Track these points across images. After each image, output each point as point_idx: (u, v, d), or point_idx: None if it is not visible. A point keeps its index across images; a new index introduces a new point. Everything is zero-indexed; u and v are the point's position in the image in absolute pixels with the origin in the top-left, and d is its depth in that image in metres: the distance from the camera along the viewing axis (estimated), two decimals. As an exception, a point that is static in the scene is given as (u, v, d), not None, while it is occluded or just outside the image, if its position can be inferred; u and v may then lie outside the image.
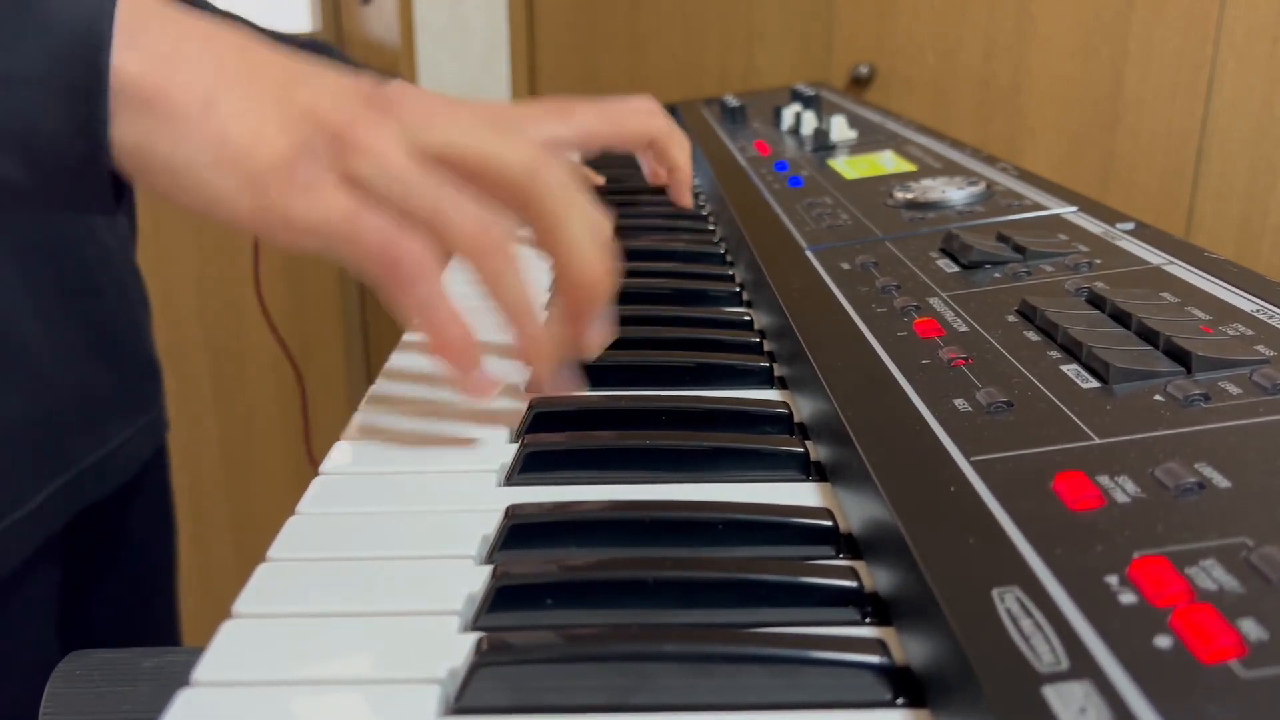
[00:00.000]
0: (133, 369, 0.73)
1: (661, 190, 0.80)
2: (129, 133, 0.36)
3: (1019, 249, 0.50)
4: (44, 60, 0.35)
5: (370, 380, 0.49)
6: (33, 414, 0.62)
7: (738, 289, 0.60)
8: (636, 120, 0.72)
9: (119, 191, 0.38)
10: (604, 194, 0.80)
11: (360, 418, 0.45)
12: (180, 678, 0.28)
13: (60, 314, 0.64)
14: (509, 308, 0.40)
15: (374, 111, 0.38)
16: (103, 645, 0.68)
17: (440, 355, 0.40)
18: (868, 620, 0.31)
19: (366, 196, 0.38)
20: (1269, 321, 0.39)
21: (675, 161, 0.74)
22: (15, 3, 0.35)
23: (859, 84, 1.56)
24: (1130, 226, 0.53)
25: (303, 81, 0.39)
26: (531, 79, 1.71)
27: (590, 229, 0.41)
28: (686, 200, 0.77)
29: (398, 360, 0.51)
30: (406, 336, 0.54)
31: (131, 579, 0.75)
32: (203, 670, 0.29)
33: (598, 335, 0.43)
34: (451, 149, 0.39)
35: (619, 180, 0.85)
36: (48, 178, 0.36)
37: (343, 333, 1.82)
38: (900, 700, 0.27)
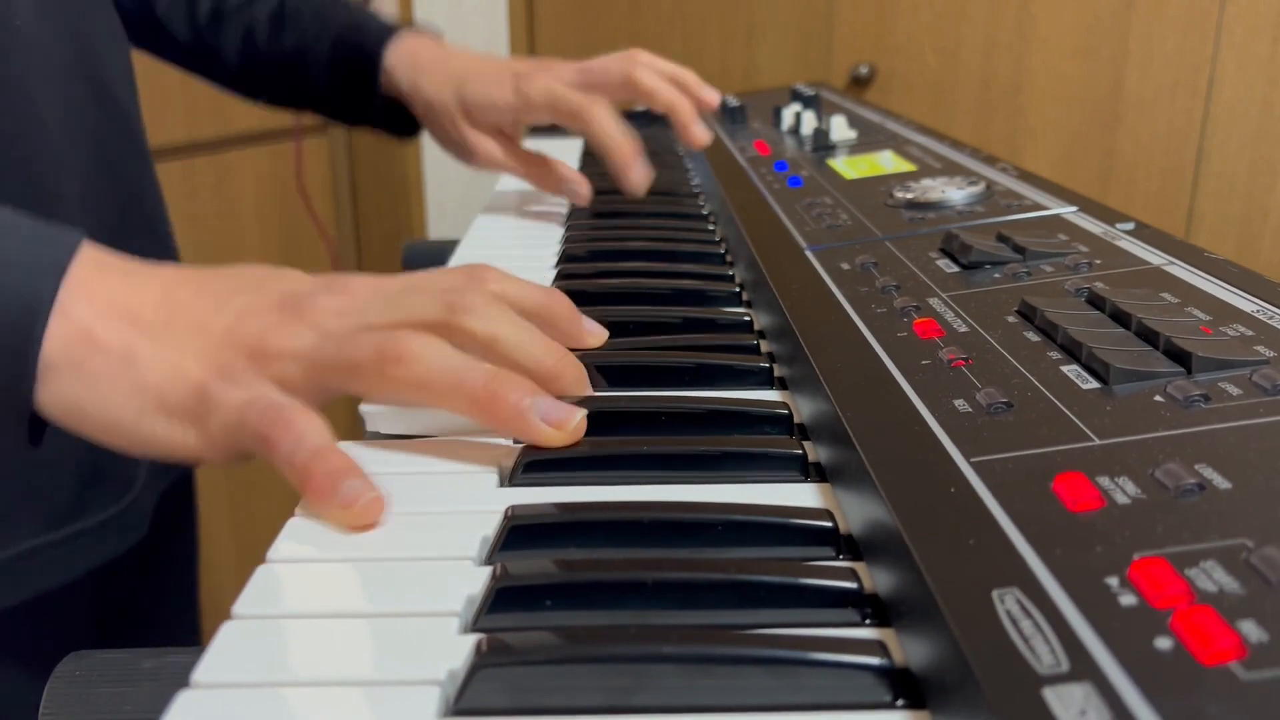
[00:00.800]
0: None
1: (661, 192, 0.80)
2: (59, 395, 0.39)
3: (1019, 249, 0.50)
4: None
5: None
6: None
7: (737, 289, 0.60)
8: (605, 71, 0.76)
9: (35, 434, 0.40)
10: (605, 195, 0.80)
11: (360, 418, 0.45)
12: (180, 679, 0.28)
13: None
14: (442, 389, 0.40)
15: (288, 315, 0.41)
16: (134, 637, 0.68)
17: (320, 505, 0.37)
18: (867, 621, 0.31)
19: (298, 392, 0.40)
20: (1269, 322, 0.39)
21: (664, 101, 0.76)
22: None
23: (859, 84, 1.56)
24: (1130, 226, 0.53)
25: (219, 309, 0.41)
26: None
27: (520, 332, 0.43)
28: (697, 136, 0.77)
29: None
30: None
31: (161, 567, 0.77)
32: (202, 671, 0.28)
33: (571, 419, 0.41)
34: (364, 328, 0.41)
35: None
36: None
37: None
38: (900, 701, 0.27)
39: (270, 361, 0.40)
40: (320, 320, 0.41)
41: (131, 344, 0.39)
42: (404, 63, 0.80)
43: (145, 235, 0.71)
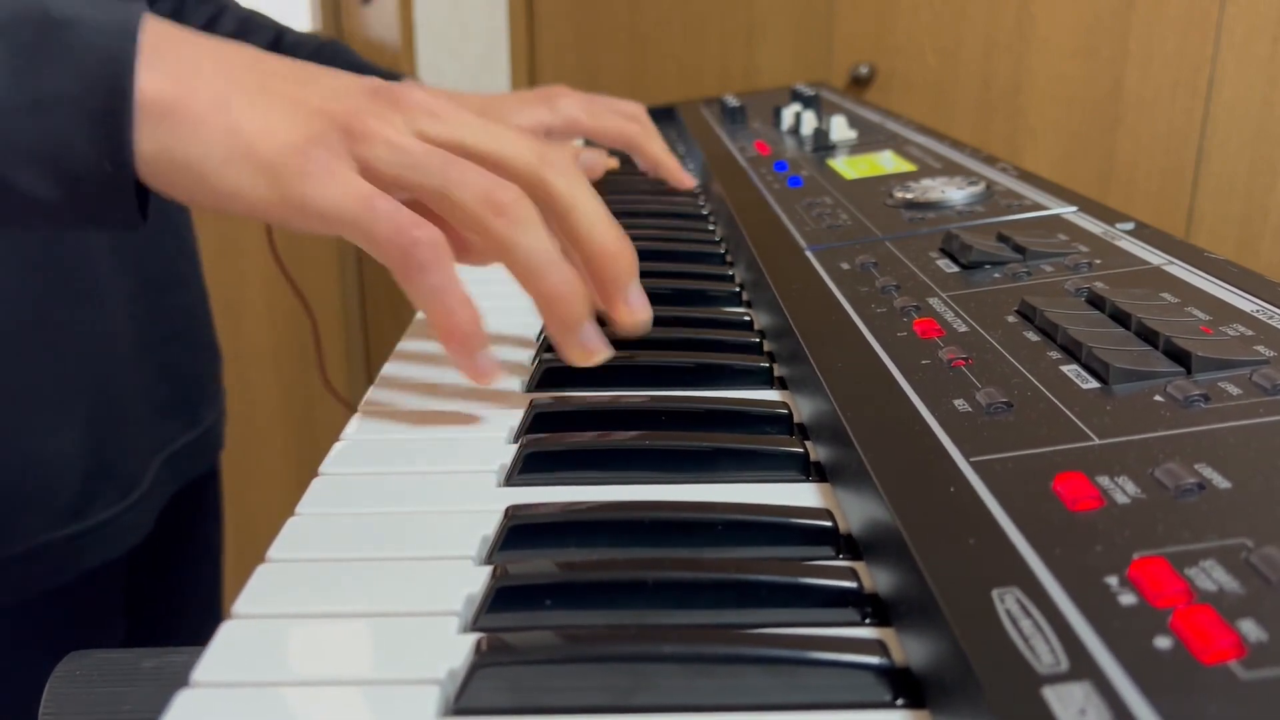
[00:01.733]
0: (210, 354, 0.77)
1: (662, 189, 0.80)
2: (149, 143, 0.38)
3: (1019, 249, 0.50)
4: (74, 85, 0.37)
5: (370, 381, 0.49)
6: (135, 396, 0.65)
7: (737, 289, 0.60)
8: (616, 120, 0.77)
9: (143, 208, 0.40)
10: (603, 194, 0.80)
11: (359, 419, 0.45)
12: (180, 678, 0.28)
13: (147, 303, 0.66)
14: (531, 262, 0.40)
15: (381, 104, 0.40)
16: (166, 631, 0.69)
17: (446, 340, 0.41)
18: (867, 621, 0.31)
19: (379, 185, 0.39)
20: (1269, 322, 0.39)
21: (655, 158, 0.79)
22: (46, 30, 0.37)
23: (859, 84, 1.56)
24: (1130, 226, 0.53)
25: (311, 82, 0.41)
26: (531, 79, 1.71)
27: (598, 206, 0.43)
28: (684, 180, 0.81)
29: (397, 361, 0.51)
30: (404, 340, 0.54)
31: (183, 566, 0.77)
32: (202, 671, 0.28)
33: (635, 309, 0.44)
34: (457, 143, 0.41)
35: (618, 181, 0.85)
36: (78, 195, 0.38)
37: (343, 333, 1.82)
38: (900, 701, 0.27)
39: (363, 141, 0.40)
40: (415, 116, 0.41)
41: (226, 93, 0.39)
42: None
43: (171, 239, 0.71)
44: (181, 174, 0.39)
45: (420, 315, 0.59)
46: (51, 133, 0.37)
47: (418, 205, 0.41)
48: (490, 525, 0.35)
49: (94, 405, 0.62)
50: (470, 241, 0.46)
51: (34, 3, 0.38)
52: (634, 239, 0.68)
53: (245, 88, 0.39)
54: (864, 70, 1.55)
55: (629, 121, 0.76)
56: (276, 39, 0.80)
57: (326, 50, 0.80)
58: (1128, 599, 0.25)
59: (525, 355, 0.52)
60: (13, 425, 0.58)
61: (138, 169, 0.38)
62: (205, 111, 0.38)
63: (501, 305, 0.60)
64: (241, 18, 0.80)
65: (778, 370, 0.48)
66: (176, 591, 0.78)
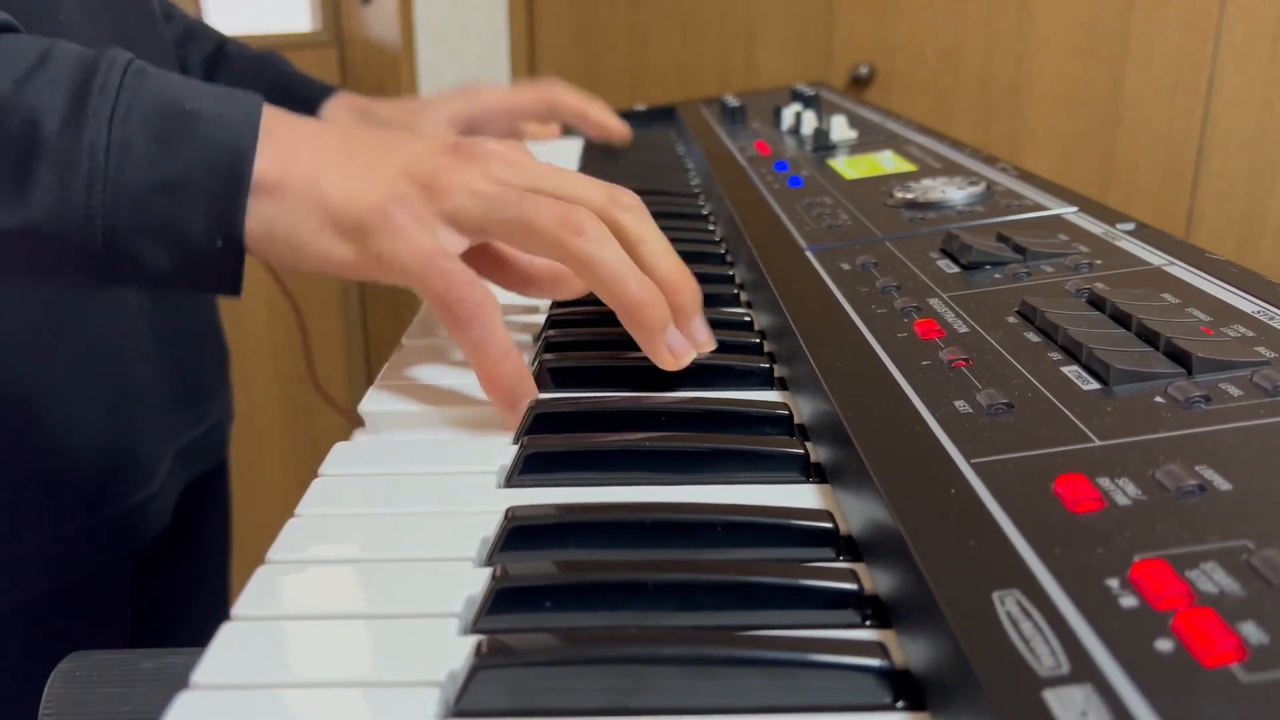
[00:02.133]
0: (218, 348, 0.78)
1: (661, 192, 0.80)
2: (256, 221, 0.43)
3: (1019, 249, 0.50)
4: (199, 173, 0.42)
5: (370, 382, 0.49)
6: (149, 390, 0.66)
7: (737, 289, 0.60)
8: (534, 91, 0.82)
9: (240, 276, 0.44)
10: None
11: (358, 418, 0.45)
12: (180, 679, 0.28)
13: (159, 297, 0.66)
14: (612, 273, 0.43)
15: (459, 158, 0.45)
16: (174, 630, 0.69)
17: (488, 389, 0.44)
18: (867, 623, 0.31)
19: (467, 229, 0.44)
20: (1270, 323, 0.39)
21: (576, 110, 0.85)
22: (180, 121, 0.42)
23: (859, 84, 1.56)
24: (1130, 227, 0.53)
25: (395, 149, 0.45)
26: (531, 79, 1.70)
27: (664, 241, 0.46)
28: (615, 126, 0.88)
29: (397, 362, 0.51)
30: (404, 340, 0.54)
31: (191, 562, 0.77)
32: (202, 672, 0.28)
33: (701, 340, 0.46)
34: (532, 187, 0.44)
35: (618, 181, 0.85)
36: (190, 266, 0.43)
37: (343, 333, 1.82)
38: (900, 703, 0.27)
39: (445, 195, 0.43)
40: (490, 165, 0.44)
41: (317, 172, 0.44)
42: (343, 108, 0.80)
43: None
44: (281, 246, 0.44)
45: (420, 315, 0.59)
46: (175, 213, 0.42)
47: (486, 258, 0.48)
48: (490, 526, 0.35)
49: (111, 399, 0.63)
50: (535, 274, 0.51)
51: (173, 95, 0.42)
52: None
53: (334, 162, 0.44)
54: (864, 70, 1.55)
55: (546, 88, 0.82)
56: (218, 48, 0.82)
57: (262, 61, 0.82)
58: (1128, 601, 0.25)
59: (524, 356, 0.52)
60: (32, 419, 0.59)
61: (248, 245, 0.43)
62: (300, 189, 0.43)
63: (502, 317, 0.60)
64: (187, 25, 0.83)
65: (778, 371, 0.48)
66: (184, 588, 0.78)
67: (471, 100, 0.81)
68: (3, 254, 0.42)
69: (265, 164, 0.43)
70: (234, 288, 0.44)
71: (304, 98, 0.80)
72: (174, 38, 0.80)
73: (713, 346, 0.47)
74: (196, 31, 0.82)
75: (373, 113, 0.80)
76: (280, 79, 0.81)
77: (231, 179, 0.42)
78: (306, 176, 0.43)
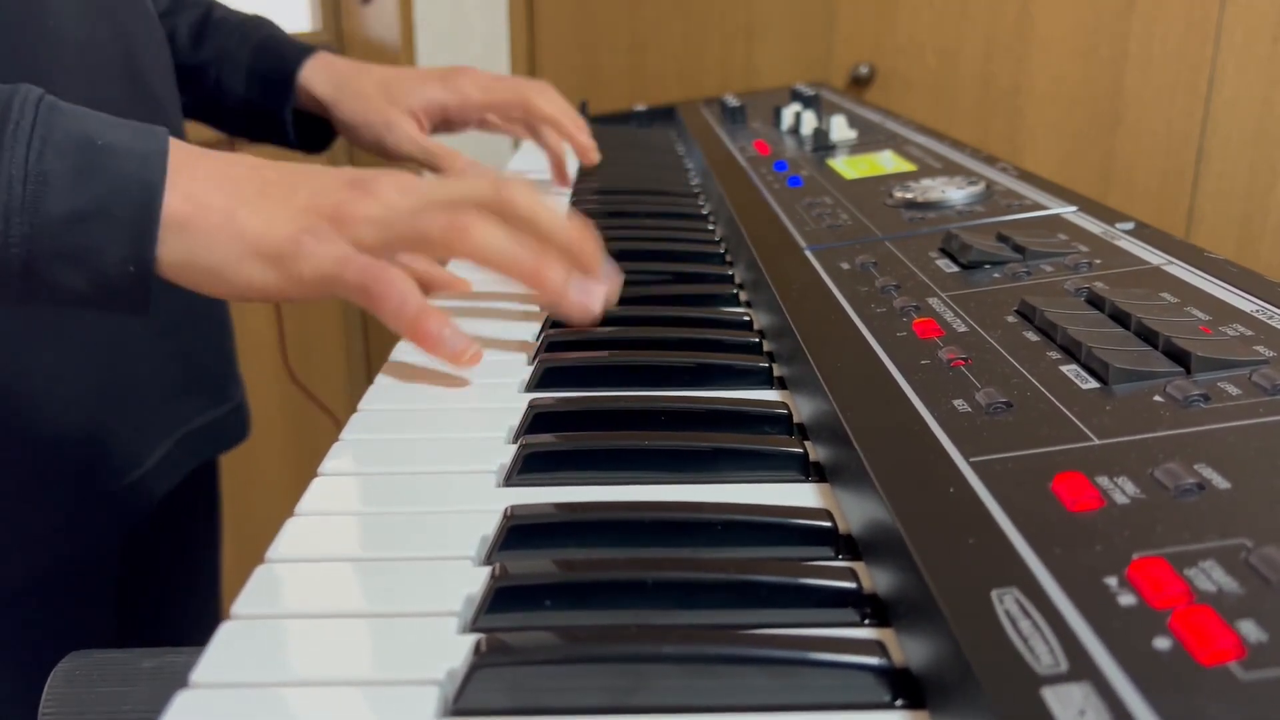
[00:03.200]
0: (226, 334, 0.79)
1: (661, 192, 0.80)
2: (173, 252, 0.46)
3: (1019, 249, 0.50)
4: (113, 203, 0.44)
5: (369, 381, 0.49)
6: (144, 380, 0.66)
7: (737, 289, 0.60)
8: (515, 91, 0.83)
9: (148, 298, 0.47)
10: (605, 195, 0.80)
11: (358, 418, 0.45)
12: (179, 679, 0.28)
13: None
14: (504, 256, 0.48)
15: (357, 192, 0.49)
16: (161, 631, 0.69)
17: (423, 344, 0.48)
18: (867, 621, 0.31)
19: (371, 253, 0.48)
20: (1269, 322, 0.39)
21: (549, 117, 0.85)
22: (92, 154, 0.45)
23: (859, 84, 1.56)
24: (1130, 226, 0.53)
25: (300, 185, 0.49)
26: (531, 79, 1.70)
27: (555, 210, 0.50)
28: (585, 144, 0.86)
29: (395, 362, 0.51)
30: (403, 340, 0.54)
31: (181, 563, 0.77)
32: (201, 672, 0.28)
33: (612, 281, 0.51)
34: (424, 207, 0.49)
35: (619, 181, 0.85)
36: (104, 290, 0.46)
37: (343, 333, 1.82)
38: (899, 701, 0.27)
39: (348, 226, 0.48)
40: (385, 195, 0.49)
41: (231, 206, 0.47)
42: (323, 71, 0.82)
43: None
44: (202, 274, 0.47)
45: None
46: (90, 243, 0.44)
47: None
48: (490, 525, 0.35)
49: (101, 386, 0.63)
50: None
51: (87, 130, 0.45)
52: (634, 239, 0.68)
53: (247, 198, 0.47)
54: (864, 70, 1.55)
55: (527, 90, 0.82)
56: (206, 14, 0.84)
57: (249, 24, 0.84)
58: (1127, 599, 0.25)
59: (524, 357, 0.52)
60: (18, 405, 0.59)
61: (161, 271, 0.46)
62: (217, 224, 0.46)
63: (502, 316, 0.60)
64: None
65: (777, 370, 0.48)
66: (171, 584, 0.78)
67: (450, 90, 0.82)
68: None
69: (178, 200, 0.46)
70: (144, 309, 0.47)
71: (287, 56, 0.82)
72: (163, 8, 0.81)
73: (619, 280, 0.53)
74: (182, 1, 0.84)
75: (351, 82, 0.81)
76: (266, 40, 0.83)
77: (143, 210, 0.45)
78: (222, 210, 0.47)
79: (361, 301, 0.48)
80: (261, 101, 0.83)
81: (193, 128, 0.82)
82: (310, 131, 0.85)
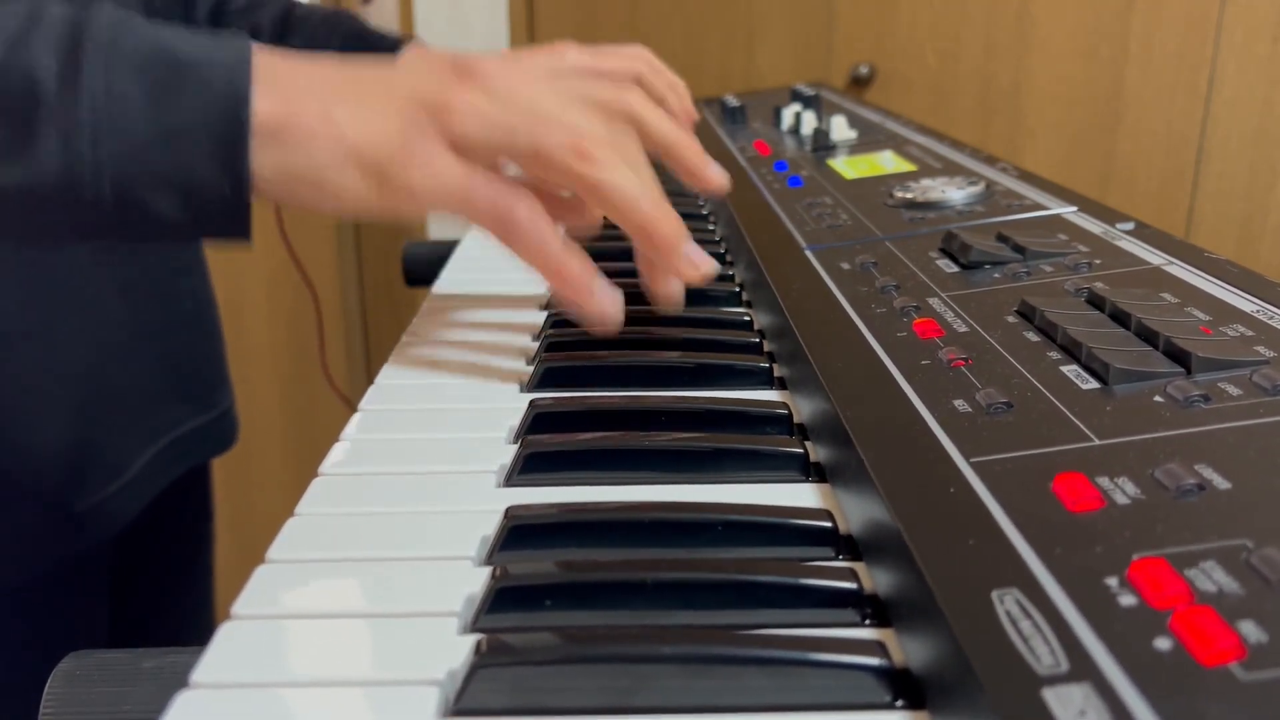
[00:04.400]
0: (216, 339, 0.78)
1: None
2: (267, 161, 0.43)
3: (1019, 249, 0.50)
4: (200, 117, 0.41)
5: (370, 380, 0.49)
6: (129, 385, 0.65)
7: (737, 289, 0.60)
8: (620, 60, 0.75)
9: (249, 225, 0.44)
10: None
11: (359, 419, 0.45)
12: (180, 679, 0.28)
13: (145, 292, 0.66)
14: (622, 197, 0.44)
15: (460, 77, 0.45)
16: (154, 631, 0.69)
17: (560, 286, 0.45)
18: (867, 622, 0.31)
19: (474, 155, 0.44)
20: (1269, 322, 0.39)
21: (663, 140, 0.75)
22: (176, 70, 0.42)
23: (859, 84, 1.56)
24: (1130, 226, 0.53)
25: (396, 74, 0.45)
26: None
27: (686, 133, 0.48)
28: (709, 178, 0.66)
29: (397, 361, 0.51)
30: (405, 339, 0.54)
31: (173, 565, 0.77)
32: (201, 671, 0.28)
33: (697, 266, 0.47)
34: (532, 102, 0.45)
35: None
36: (201, 213, 0.43)
37: (344, 333, 1.82)
38: (899, 702, 0.27)
39: (451, 116, 0.43)
40: (493, 82, 0.45)
41: (327, 107, 0.43)
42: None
43: None
44: (300, 185, 0.43)
45: (421, 312, 0.59)
46: (181, 161, 0.41)
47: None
48: (490, 526, 0.35)
49: (82, 395, 0.62)
50: (566, 202, 0.50)
51: (164, 44, 0.42)
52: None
53: (343, 96, 0.44)
54: (864, 70, 1.55)
55: (634, 60, 0.76)
56: (288, 9, 0.81)
57: (334, 18, 0.81)
58: (1127, 600, 0.25)
59: (523, 358, 0.52)
60: (2, 412, 0.58)
61: (257, 188, 0.43)
62: (313, 126, 0.43)
63: (503, 317, 0.60)
64: None
65: (777, 370, 0.48)
66: (163, 585, 0.78)
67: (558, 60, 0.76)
68: (13, 215, 0.42)
69: (269, 106, 0.42)
70: (244, 233, 0.44)
71: (378, 47, 0.77)
72: (243, 4, 0.79)
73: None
74: None
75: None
76: (354, 35, 0.79)
77: (231, 123, 0.42)
78: (317, 114, 0.43)
79: (490, 229, 0.44)
80: None
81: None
82: None
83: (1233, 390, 0.34)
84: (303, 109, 0.43)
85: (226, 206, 0.43)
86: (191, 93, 0.42)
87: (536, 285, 0.62)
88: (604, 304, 0.45)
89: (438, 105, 0.43)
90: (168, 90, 0.41)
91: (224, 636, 0.30)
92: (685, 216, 0.75)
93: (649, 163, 0.46)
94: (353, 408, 0.46)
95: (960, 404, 0.36)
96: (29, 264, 0.59)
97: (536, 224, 0.44)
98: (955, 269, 0.50)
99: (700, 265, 0.47)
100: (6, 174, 0.40)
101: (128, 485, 0.66)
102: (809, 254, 0.56)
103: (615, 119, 0.46)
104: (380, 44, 0.78)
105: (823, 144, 0.82)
